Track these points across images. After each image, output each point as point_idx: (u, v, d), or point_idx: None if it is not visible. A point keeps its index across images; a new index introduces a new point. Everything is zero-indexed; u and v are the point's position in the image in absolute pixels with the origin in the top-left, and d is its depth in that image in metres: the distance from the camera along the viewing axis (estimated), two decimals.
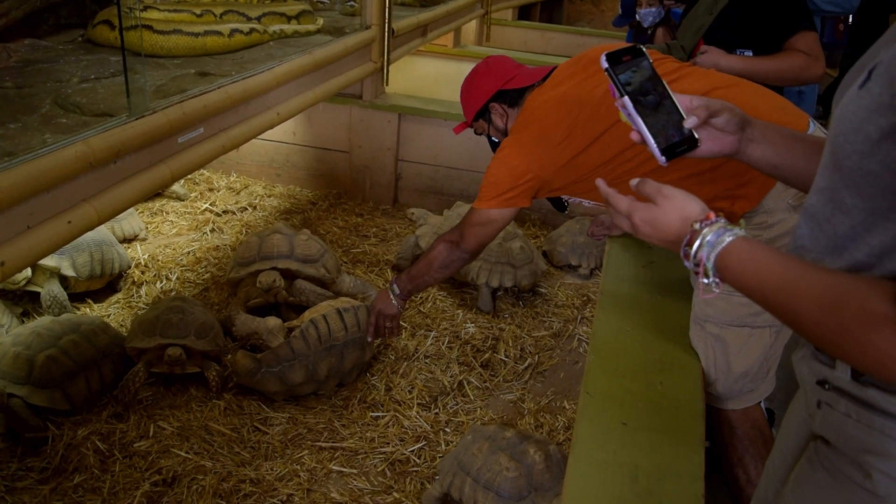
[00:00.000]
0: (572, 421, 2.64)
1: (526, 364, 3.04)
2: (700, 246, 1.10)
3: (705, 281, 1.10)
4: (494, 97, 2.39)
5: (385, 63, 4.16)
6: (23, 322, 2.93)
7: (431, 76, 5.72)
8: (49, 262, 3.00)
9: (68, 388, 2.52)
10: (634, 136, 1.32)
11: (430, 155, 4.34)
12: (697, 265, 1.10)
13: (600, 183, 1.32)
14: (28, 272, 2.99)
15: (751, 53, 2.74)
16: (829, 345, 0.95)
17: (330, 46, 3.42)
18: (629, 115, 1.30)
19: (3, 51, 2.62)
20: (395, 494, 2.34)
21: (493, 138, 2.51)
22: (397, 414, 2.69)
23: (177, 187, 4.22)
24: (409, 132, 4.32)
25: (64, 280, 3.11)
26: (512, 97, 2.38)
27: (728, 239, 1.07)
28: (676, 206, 1.17)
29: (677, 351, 2.12)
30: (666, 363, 2.07)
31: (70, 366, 2.54)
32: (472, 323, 3.28)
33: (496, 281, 3.35)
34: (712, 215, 1.12)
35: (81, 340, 2.63)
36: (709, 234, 1.09)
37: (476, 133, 2.57)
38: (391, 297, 2.67)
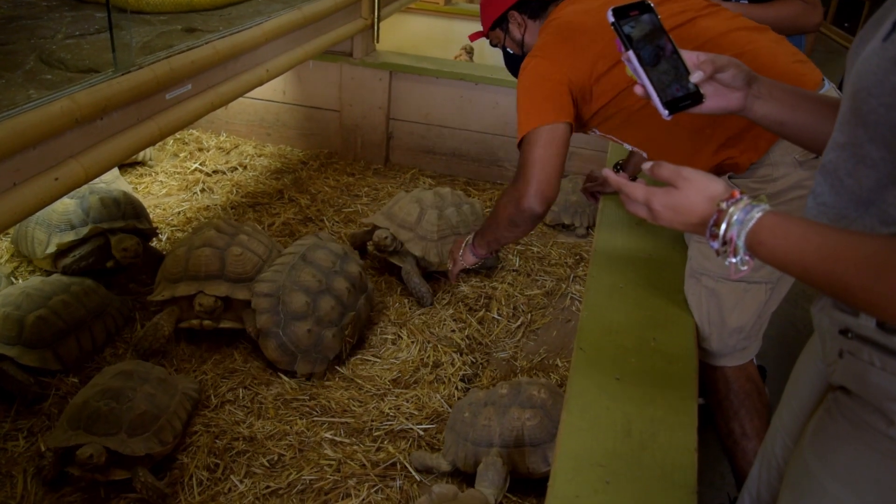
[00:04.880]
0: (565, 378, 2.65)
1: (518, 322, 3.04)
2: (729, 225, 1.07)
3: (733, 260, 1.08)
4: (515, 6, 2.29)
5: (375, 20, 4.09)
6: (12, 283, 2.91)
7: (422, 34, 5.65)
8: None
9: (59, 348, 2.51)
10: (638, 90, 1.31)
11: (421, 113, 4.29)
12: (726, 244, 1.08)
13: (608, 173, 1.31)
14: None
15: (746, 1, 2.69)
16: (878, 308, 0.94)
17: (319, 2, 3.36)
18: (634, 69, 1.30)
19: None
20: (389, 449, 2.35)
21: (509, 49, 2.41)
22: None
23: (151, 162, 4.14)
24: (401, 90, 4.27)
25: None
26: (533, 9, 2.28)
27: (757, 215, 1.05)
28: (699, 188, 1.14)
29: (671, 307, 2.12)
30: (659, 319, 2.07)
31: (61, 326, 2.53)
32: (464, 283, 3.27)
33: None
34: (737, 193, 1.10)
35: (72, 301, 2.62)
36: (736, 213, 1.07)
37: (492, 44, 2.46)
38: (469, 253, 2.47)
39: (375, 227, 3.22)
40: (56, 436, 2.14)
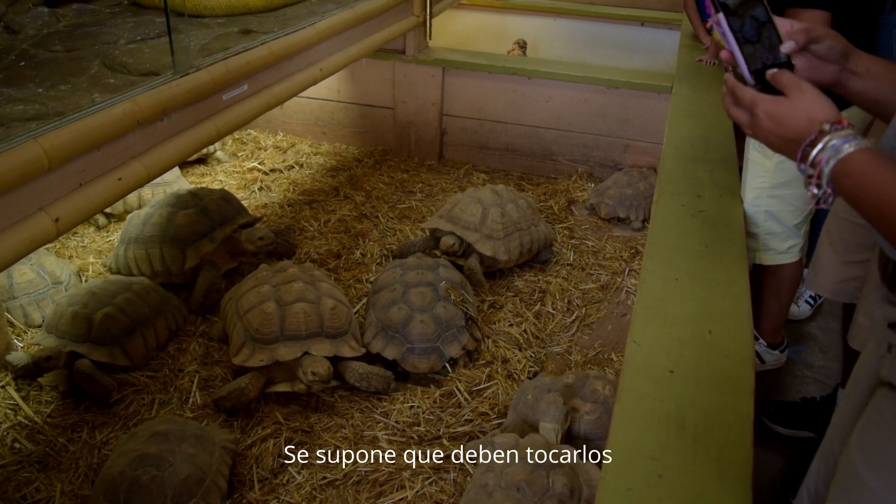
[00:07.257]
0: (619, 373, 2.63)
1: (573, 317, 3.03)
2: (822, 149, 1.04)
3: (815, 191, 1.04)
4: None
5: (428, 17, 4.11)
6: (80, 279, 3.01)
7: (474, 30, 5.65)
8: None
9: (126, 344, 2.60)
10: (725, 55, 1.26)
11: (474, 109, 4.30)
12: (813, 169, 1.04)
13: (729, 77, 1.25)
14: None
15: None
16: None
17: (372, 1, 3.39)
18: (723, 33, 1.23)
19: (51, 16, 2.66)
20: (444, 442, 2.37)
21: None
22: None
23: (219, 153, 4.29)
24: (454, 86, 4.28)
25: None
26: None
27: (853, 148, 1.01)
28: (807, 104, 1.10)
29: (726, 300, 2.09)
30: (715, 312, 2.03)
31: (127, 322, 2.62)
32: (517, 277, 3.27)
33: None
34: (845, 121, 1.05)
35: (135, 298, 2.70)
36: (834, 139, 1.03)
37: None
38: None
39: (436, 231, 3.25)
40: None
